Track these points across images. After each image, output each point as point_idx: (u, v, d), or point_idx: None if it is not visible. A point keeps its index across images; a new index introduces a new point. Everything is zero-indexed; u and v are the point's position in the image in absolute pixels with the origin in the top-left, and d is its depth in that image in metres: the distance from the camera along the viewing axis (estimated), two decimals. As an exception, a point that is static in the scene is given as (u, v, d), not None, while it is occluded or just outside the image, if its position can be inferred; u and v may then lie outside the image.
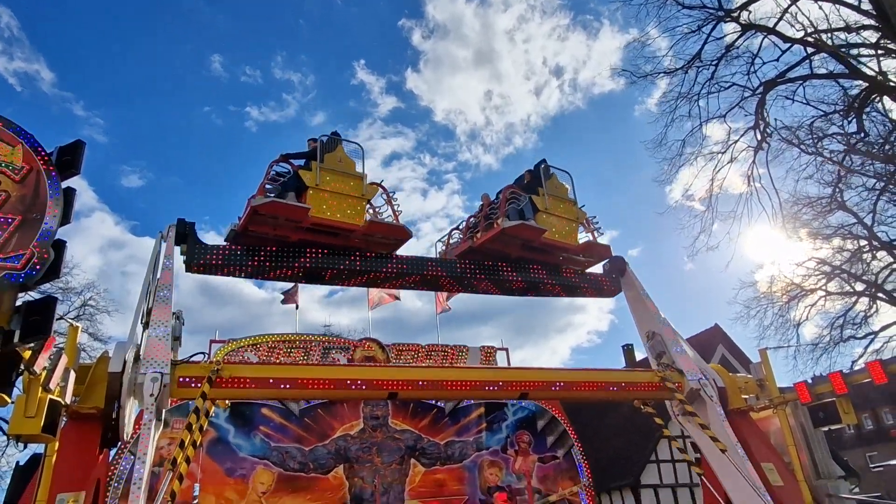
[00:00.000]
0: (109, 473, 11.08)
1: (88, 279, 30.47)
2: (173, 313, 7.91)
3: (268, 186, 8.44)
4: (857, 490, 10.06)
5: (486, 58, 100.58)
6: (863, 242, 24.36)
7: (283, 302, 18.96)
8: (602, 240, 10.72)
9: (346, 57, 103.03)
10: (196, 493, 11.71)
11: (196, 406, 7.47)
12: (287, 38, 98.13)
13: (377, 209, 9.05)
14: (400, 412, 15.29)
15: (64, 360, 6.27)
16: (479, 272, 9.92)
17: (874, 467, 26.08)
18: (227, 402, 8.81)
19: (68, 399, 6.63)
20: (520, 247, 9.94)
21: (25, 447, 7.28)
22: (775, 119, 22.53)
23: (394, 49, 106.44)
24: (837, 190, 23.17)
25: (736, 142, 22.41)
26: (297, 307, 18.40)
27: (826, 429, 9.63)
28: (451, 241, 10.64)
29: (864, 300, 24.70)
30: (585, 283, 10.78)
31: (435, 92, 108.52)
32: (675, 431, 11.85)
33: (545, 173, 10.39)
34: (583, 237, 10.65)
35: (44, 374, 5.85)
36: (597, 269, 11.14)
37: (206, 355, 10.71)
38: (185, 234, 8.20)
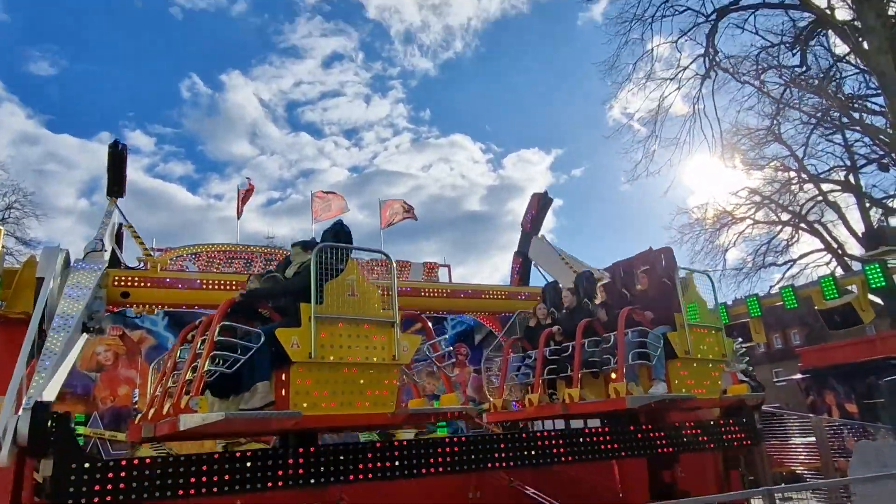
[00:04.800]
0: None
1: (11, 179, 28.47)
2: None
3: None
4: (759, 401, 11.07)
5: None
6: (793, 174, 25.55)
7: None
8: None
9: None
10: (136, 399, 11.74)
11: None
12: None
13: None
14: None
15: (-13, 264, 6.03)
16: None
17: (777, 381, 28.66)
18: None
19: (-6, 303, 6.45)
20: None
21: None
22: (722, 52, 22.83)
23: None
24: (775, 122, 23.99)
25: (684, 69, 22.78)
26: (238, 217, 17.88)
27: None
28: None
29: (788, 230, 26.22)
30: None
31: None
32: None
33: None
34: None
35: (-35, 277, 5.64)
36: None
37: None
38: None
